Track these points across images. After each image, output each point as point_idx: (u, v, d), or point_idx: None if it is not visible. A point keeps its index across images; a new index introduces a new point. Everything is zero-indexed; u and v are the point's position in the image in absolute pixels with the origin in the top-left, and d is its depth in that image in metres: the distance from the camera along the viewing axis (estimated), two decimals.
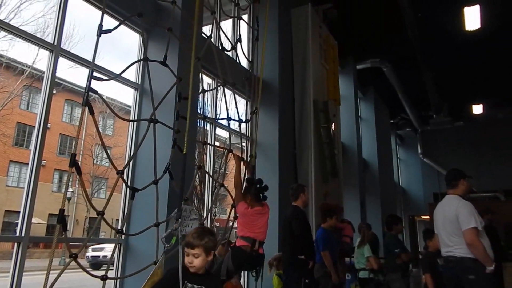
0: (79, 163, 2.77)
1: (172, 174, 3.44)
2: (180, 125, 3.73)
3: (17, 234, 3.25)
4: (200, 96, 4.89)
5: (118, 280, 3.99)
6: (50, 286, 2.48)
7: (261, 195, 3.55)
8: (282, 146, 6.32)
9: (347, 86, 10.46)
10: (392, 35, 9.40)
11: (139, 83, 4.59)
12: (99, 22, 3.09)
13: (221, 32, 4.95)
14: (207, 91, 5.25)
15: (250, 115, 5.47)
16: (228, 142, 4.49)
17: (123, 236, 3.87)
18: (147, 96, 4.52)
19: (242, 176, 4.00)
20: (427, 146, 16.24)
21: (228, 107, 4.65)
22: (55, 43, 3.66)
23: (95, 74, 2.87)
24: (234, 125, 5.46)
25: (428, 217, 13.07)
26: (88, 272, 2.92)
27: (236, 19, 6.13)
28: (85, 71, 3.00)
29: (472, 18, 8.14)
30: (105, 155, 21.97)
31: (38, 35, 3.74)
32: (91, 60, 3.13)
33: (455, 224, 3.56)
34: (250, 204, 3.46)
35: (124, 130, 19.74)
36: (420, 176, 16.96)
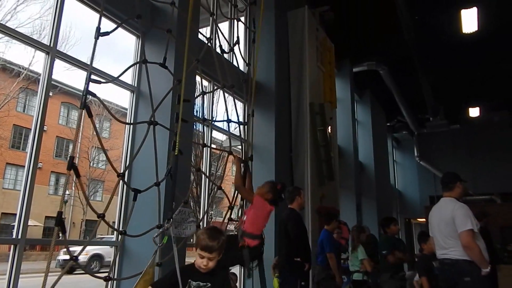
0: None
1: (172, 177, 3.45)
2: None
3: (14, 237, 3.24)
4: (199, 98, 4.90)
5: (116, 282, 3.99)
6: None
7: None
8: (278, 148, 6.33)
9: (343, 88, 10.48)
10: (388, 38, 9.44)
11: (136, 85, 4.59)
12: (96, 25, 3.09)
13: (219, 34, 4.96)
14: (207, 93, 5.25)
15: (247, 118, 5.47)
16: (224, 145, 4.49)
17: (119, 237, 3.86)
18: (143, 99, 4.53)
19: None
20: (423, 149, 16.29)
21: (226, 109, 4.65)
22: (51, 45, 3.66)
23: (93, 77, 2.87)
24: (231, 128, 5.47)
25: (424, 220, 13.11)
26: (91, 274, 2.92)
27: (233, 21, 6.15)
28: (82, 74, 3.01)
29: (469, 20, 8.17)
30: (101, 158, 21.92)
31: (35, 37, 3.74)
32: (88, 63, 3.13)
33: (451, 226, 3.57)
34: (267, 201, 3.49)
35: (120, 133, 19.71)
36: (416, 179, 17.00)
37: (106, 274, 2.98)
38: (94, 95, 2.81)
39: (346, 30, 9.20)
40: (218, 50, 4.79)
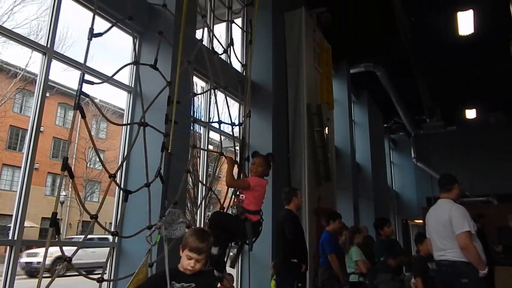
0: (72, 166, 2.75)
1: (163, 178, 3.45)
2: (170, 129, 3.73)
3: (10, 238, 3.24)
4: (195, 99, 4.89)
5: (112, 283, 3.98)
6: None
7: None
8: (276, 149, 6.33)
9: (340, 89, 10.51)
10: (385, 39, 9.47)
11: (132, 86, 4.59)
12: (90, 25, 3.09)
13: (214, 35, 4.97)
14: (198, 94, 5.25)
15: (243, 119, 5.48)
16: (221, 145, 4.48)
17: (116, 239, 3.85)
18: (140, 99, 4.52)
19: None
20: (420, 150, 16.33)
21: (221, 110, 4.66)
22: (48, 46, 3.66)
23: (86, 77, 2.87)
24: (227, 129, 5.47)
25: (421, 221, 13.12)
26: (84, 275, 2.91)
27: (229, 22, 6.15)
28: (79, 74, 3.00)
29: (465, 23, 8.21)
30: (98, 159, 21.86)
31: (31, 38, 3.73)
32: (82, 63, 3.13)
33: (448, 228, 3.58)
34: (261, 175, 3.50)
35: (117, 133, 19.66)
36: (413, 180, 17.04)
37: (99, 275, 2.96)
38: (87, 96, 2.81)
39: (343, 31, 9.22)
40: (215, 50, 4.80)
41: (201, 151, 5.34)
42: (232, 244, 3.91)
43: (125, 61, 3.70)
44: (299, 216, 5.09)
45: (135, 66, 4.50)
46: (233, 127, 4.52)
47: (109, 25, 4.30)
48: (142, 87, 3.58)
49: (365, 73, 10.80)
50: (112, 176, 3.03)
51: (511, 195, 13.75)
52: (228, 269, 3.61)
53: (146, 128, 3.39)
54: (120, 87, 4.48)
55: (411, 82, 10.76)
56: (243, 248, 3.77)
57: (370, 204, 11.38)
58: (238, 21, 6.83)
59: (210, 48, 4.72)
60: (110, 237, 3.69)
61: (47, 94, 3.83)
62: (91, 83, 2.96)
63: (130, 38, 4.73)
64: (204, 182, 5.53)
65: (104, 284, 3.61)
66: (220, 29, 6.75)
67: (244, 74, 5.40)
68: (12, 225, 3.28)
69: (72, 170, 2.68)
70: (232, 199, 4.03)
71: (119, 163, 4.53)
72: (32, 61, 17.70)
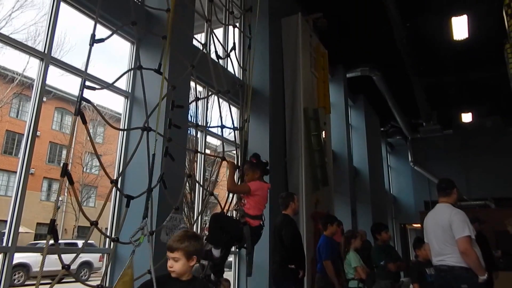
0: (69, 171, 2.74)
1: (165, 183, 3.43)
2: (172, 134, 3.72)
3: (4, 244, 3.21)
4: (193, 104, 4.89)
5: None
6: None
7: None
8: (273, 154, 6.33)
9: (337, 94, 10.54)
10: (381, 44, 9.53)
11: (130, 91, 4.59)
12: (91, 31, 3.09)
13: (215, 40, 4.98)
14: (201, 99, 5.25)
15: (242, 123, 5.48)
16: (219, 150, 4.49)
17: (112, 245, 3.83)
18: (137, 104, 4.52)
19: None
20: (417, 154, 16.37)
21: (221, 114, 4.65)
22: (46, 52, 3.65)
23: (87, 83, 2.86)
24: (225, 133, 5.47)
25: (419, 225, 13.15)
26: (82, 282, 2.89)
27: (227, 27, 6.17)
28: (76, 79, 3.00)
29: (459, 28, 8.28)
30: (94, 163, 21.79)
31: (29, 43, 3.73)
32: (83, 69, 3.12)
33: (448, 233, 3.55)
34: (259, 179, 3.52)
35: (114, 138, 19.63)
36: (411, 184, 17.06)
37: (98, 283, 2.94)
38: (88, 101, 2.80)
39: (339, 36, 9.27)
40: (213, 56, 4.80)
41: (198, 155, 5.32)
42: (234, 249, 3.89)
43: (121, 66, 3.72)
44: (296, 221, 5.08)
45: (132, 72, 4.51)
46: (235, 131, 4.52)
47: (106, 30, 4.33)
48: (139, 92, 3.57)
49: (362, 78, 10.84)
50: (114, 182, 3.02)
51: (509, 199, 13.82)
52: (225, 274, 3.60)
53: (143, 133, 3.38)
54: (117, 92, 4.48)
55: (407, 86, 10.82)
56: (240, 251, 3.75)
57: (368, 209, 11.38)
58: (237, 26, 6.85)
59: (212, 53, 4.72)
60: (80, 243, 3.62)
61: (44, 99, 3.82)
62: (93, 88, 2.95)
63: (125, 43, 4.74)
64: (204, 187, 5.53)
65: None
66: (218, 34, 6.76)
67: (242, 79, 5.41)
68: (6, 231, 3.25)
69: (71, 175, 2.66)
70: (234, 202, 4.02)
71: (116, 167, 4.52)
72: (29, 66, 17.70)
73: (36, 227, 18.89)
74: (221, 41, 6.50)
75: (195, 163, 5.49)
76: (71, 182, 2.62)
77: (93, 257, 13.75)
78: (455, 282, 3.49)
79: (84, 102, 2.79)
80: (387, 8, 7.49)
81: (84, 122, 2.73)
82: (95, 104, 3.11)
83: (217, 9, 6.38)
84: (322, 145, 7.23)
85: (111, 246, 3.98)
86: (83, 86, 2.75)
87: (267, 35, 6.86)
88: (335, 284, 4.73)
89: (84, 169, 21.66)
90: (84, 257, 12.95)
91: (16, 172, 3.41)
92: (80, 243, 13.58)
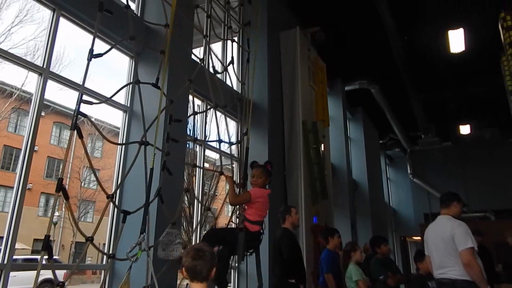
0: (66, 186, 2.72)
1: (162, 198, 3.40)
2: (170, 148, 3.71)
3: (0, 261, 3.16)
4: (191, 118, 4.89)
5: None
6: None
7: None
8: (272, 167, 6.30)
9: (336, 107, 10.57)
10: (379, 57, 9.60)
11: (128, 105, 4.58)
12: (90, 46, 3.10)
13: (212, 54, 5.01)
14: (199, 113, 5.26)
15: (241, 137, 5.48)
16: (218, 164, 4.46)
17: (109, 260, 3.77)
18: (135, 118, 4.51)
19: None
20: (416, 166, 16.35)
21: (218, 129, 4.65)
22: (44, 66, 3.66)
23: (85, 97, 2.86)
24: (224, 147, 5.46)
25: (419, 238, 13.06)
26: None
27: (226, 42, 6.21)
28: (75, 94, 3.00)
29: (456, 41, 8.36)
30: (93, 178, 21.69)
31: (28, 58, 3.77)
32: (81, 83, 3.13)
33: (450, 245, 3.51)
34: (263, 186, 3.58)
35: (112, 152, 19.57)
36: (410, 196, 16.99)
37: None
38: (85, 115, 2.79)
39: (338, 50, 9.35)
40: (211, 70, 4.82)
41: (197, 169, 5.30)
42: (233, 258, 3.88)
43: (121, 80, 3.72)
44: (296, 234, 5.03)
45: (131, 86, 4.52)
46: (230, 146, 4.52)
47: (105, 44, 4.34)
48: (137, 106, 3.57)
49: (360, 91, 10.89)
50: (110, 197, 3.00)
51: (508, 210, 13.76)
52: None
53: (141, 147, 3.36)
54: (115, 107, 4.48)
55: (405, 99, 10.86)
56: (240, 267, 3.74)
57: (368, 221, 11.30)
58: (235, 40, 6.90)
59: (210, 67, 4.74)
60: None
61: (42, 113, 3.81)
62: (90, 103, 2.95)
63: (124, 57, 4.76)
64: (201, 201, 5.49)
65: None
66: (217, 48, 6.81)
67: (241, 92, 5.42)
68: (2, 247, 3.20)
69: (66, 190, 2.64)
70: (233, 215, 4.02)
71: (114, 182, 4.49)
72: (28, 81, 17.74)
73: (33, 243, 18.69)
74: (221, 55, 6.55)
75: (194, 177, 5.46)
76: (66, 197, 2.59)
77: (57, 274, 13.36)
78: None
79: (82, 117, 2.78)
80: (384, 22, 7.58)
81: (81, 136, 2.71)
82: (93, 118, 3.11)
83: (216, 23, 6.44)
84: (321, 158, 7.22)
85: (111, 263, 3.92)
86: (80, 101, 2.75)
87: (265, 48, 6.91)
88: None
89: (82, 184, 21.55)
90: (44, 274, 12.60)
91: (13, 187, 3.37)
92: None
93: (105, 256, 4.08)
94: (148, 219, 3.23)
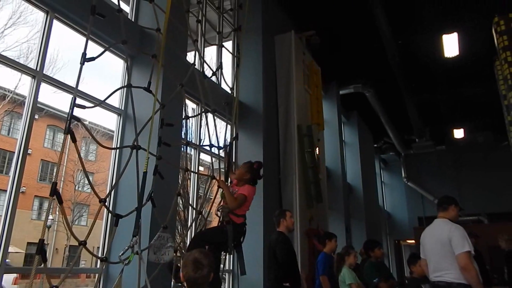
0: (60, 189, 2.70)
1: (154, 201, 3.39)
2: (162, 152, 3.70)
3: None
4: (185, 121, 4.89)
5: None
6: None
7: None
8: (267, 171, 6.30)
9: (330, 110, 10.60)
10: (373, 61, 9.65)
11: (123, 108, 4.57)
12: (83, 50, 3.09)
13: (204, 59, 5.01)
14: (191, 117, 5.26)
15: (231, 141, 5.48)
16: (212, 167, 4.46)
17: (103, 265, 3.74)
18: (130, 122, 4.50)
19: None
20: (410, 170, 16.42)
21: (211, 133, 4.67)
22: (38, 69, 3.64)
23: (78, 101, 2.85)
24: (216, 150, 5.45)
25: (413, 241, 13.09)
26: None
27: (220, 46, 6.21)
28: (69, 97, 2.98)
29: (450, 45, 8.42)
30: (87, 181, 21.56)
31: (21, 61, 3.73)
32: (75, 86, 3.11)
33: (447, 248, 3.52)
34: (248, 183, 3.65)
35: (107, 156, 19.48)
36: (404, 200, 17.05)
37: None
38: (78, 120, 2.78)
39: (332, 53, 9.38)
40: (205, 74, 4.82)
41: (191, 173, 5.29)
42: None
43: (115, 83, 3.72)
44: (291, 238, 5.03)
45: (125, 89, 4.50)
46: (220, 149, 4.53)
47: (99, 47, 4.33)
48: (131, 110, 3.56)
49: (355, 94, 10.93)
50: (103, 201, 2.98)
51: (502, 213, 13.84)
52: None
53: (134, 151, 3.35)
54: (110, 110, 4.46)
55: (399, 103, 10.92)
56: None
57: (362, 225, 11.32)
58: (229, 44, 6.90)
59: (201, 71, 4.74)
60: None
61: (36, 116, 3.80)
62: (83, 107, 2.94)
63: (120, 61, 4.75)
64: (194, 205, 5.48)
65: None
66: (211, 52, 6.81)
67: (232, 96, 5.43)
68: None
69: (60, 193, 2.63)
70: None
71: (109, 185, 4.47)
72: (21, 83, 17.60)
73: (26, 246, 18.51)
74: (214, 59, 6.55)
75: (189, 181, 5.46)
76: (60, 201, 2.58)
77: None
78: None
79: (75, 121, 2.77)
80: (379, 26, 7.63)
81: (74, 140, 2.70)
82: (88, 121, 3.11)
83: (209, 27, 6.45)
84: (316, 162, 7.23)
85: (103, 266, 3.89)
86: (73, 105, 2.74)
87: (260, 52, 6.92)
88: None
89: (76, 187, 21.40)
90: None
91: (6, 191, 3.35)
92: None
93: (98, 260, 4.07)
94: (140, 222, 3.21)
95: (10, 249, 3.31)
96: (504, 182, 14.40)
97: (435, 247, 3.66)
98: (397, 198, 17.27)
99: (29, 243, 18.40)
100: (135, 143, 3.32)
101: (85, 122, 3.12)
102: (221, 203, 3.76)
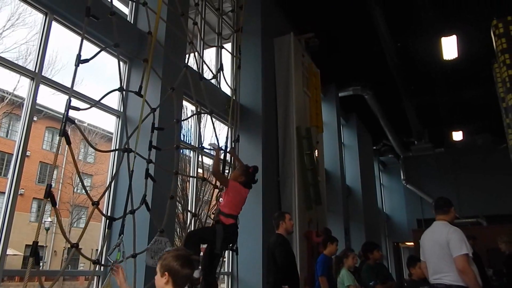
0: (58, 191, 2.70)
1: (148, 204, 3.39)
2: (158, 155, 3.70)
3: None
4: (185, 123, 4.88)
5: None
6: None
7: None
8: (266, 173, 6.30)
9: (329, 113, 10.60)
10: (372, 64, 9.66)
11: (121, 110, 4.56)
12: (80, 52, 3.09)
13: (203, 61, 5.01)
14: (182, 120, 5.26)
15: (232, 143, 5.47)
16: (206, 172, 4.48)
17: (101, 268, 3.73)
18: (129, 124, 4.49)
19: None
20: (409, 172, 16.43)
21: (200, 135, 4.68)
22: (37, 71, 3.63)
23: (74, 102, 2.85)
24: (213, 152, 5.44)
25: (412, 243, 13.08)
26: None
27: (218, 48, 6.22)
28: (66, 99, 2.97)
29: (449, 47, 8.43)
30: (86, 184, 21.52)
31: (20, 62, 3.72)
32: (73, 89, 3.11)
33: (445, 250, 3.53)
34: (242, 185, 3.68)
35: (105, 158, 19.44)
36: (403, 202, 17.06)
37: None
38: (73, 122, 2.78)
39: (331, 56, 9.39)
40: (203, 76, 4.82)
41: (190, 174, 5.28)
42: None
43: (115, 85, 3.69)
44: (290, 240, 5.02)
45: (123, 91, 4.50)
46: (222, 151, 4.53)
47: (98, 50, 4.32)
48: (130, 113, 3.56)
49: (354, 97, 10.94)
50: (95, 204, 2.98)
51: (500, 216, 13.84)
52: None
53: (133, 154, 3.35)
54: (108, 112, 4.45)
55: (398, 105, 10.94)
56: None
57: (361, 227, 11.32)
58: (228, 46, 6.91)
59: (199, 74, 4.74)
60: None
61: (35, 118, 3.80)
62: (77, 109, 2.94)
63: (121, 62, 4.74)
64: (190, 208, 5.48)
65: None
66: (210, 54, 6.81)
67: (234, 98, 5.42)
68: None
69: (58, 196, 2.63)
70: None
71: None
72: (20, 85, 17.58)
73: (24, 249, 18.46)
74: (214, 61, 6.55)
75: (187, 183, 5.45)
76: (54, 203, 2.57)
77: None
78: None
79: (70, 123, 2.76)
80: (378, 28, 7.64)
81: (68, 143, 2.70)
82: (87, 123, 3.10)
83: (209, 29, 6.45)
84: (315, 164, 7.22)
85: (96, 268, 3.88)
86: (68, 106, 2.74)
87: (259, 54, 6.92)
88: None
89: (75, 190, 21.35)
90: None
91: (4, 193, 3.34)
92: None
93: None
94: (134, 224, 3.21)
95: (8, 251, 3.30)
96: (502, 184, 14.40)
97: (434, 250, 3.66)
98: (396, 201, 17.27)
99: (27, 246, 18.33)
100: (126, 146, 3.32)
101: (84, 124, 3.12)
102: (217, 206, 3.78)
